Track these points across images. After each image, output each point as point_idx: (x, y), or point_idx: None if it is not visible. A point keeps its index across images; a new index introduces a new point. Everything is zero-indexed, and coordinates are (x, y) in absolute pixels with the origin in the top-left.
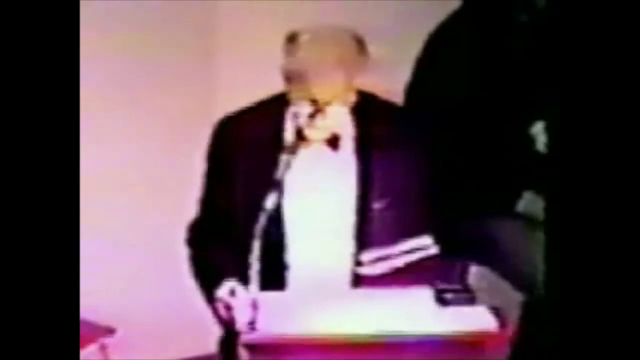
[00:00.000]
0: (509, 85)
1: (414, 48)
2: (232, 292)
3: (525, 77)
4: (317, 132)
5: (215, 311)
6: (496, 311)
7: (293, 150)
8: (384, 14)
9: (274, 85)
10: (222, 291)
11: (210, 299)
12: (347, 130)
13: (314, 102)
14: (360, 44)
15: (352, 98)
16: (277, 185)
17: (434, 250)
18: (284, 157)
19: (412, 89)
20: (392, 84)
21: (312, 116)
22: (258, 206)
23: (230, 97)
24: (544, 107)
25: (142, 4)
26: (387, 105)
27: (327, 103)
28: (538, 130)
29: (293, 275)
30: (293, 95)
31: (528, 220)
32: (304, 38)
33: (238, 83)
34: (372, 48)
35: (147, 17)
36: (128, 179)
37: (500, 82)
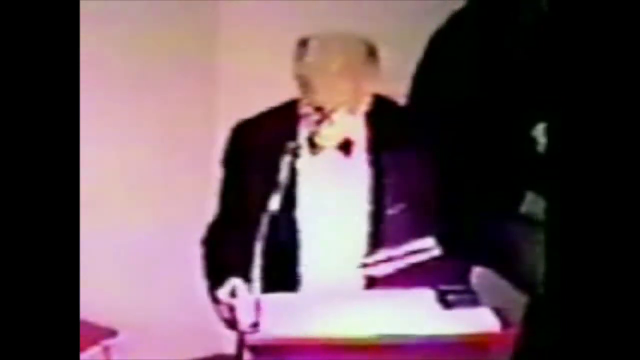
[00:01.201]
0: (511, 86)
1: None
2: (234, 293)
3: (527, 79)
4: (326, 139)
5: (218, 311)
6: (499, 312)
7: (295, 152)
8: (390, 16)
9: (276, 90)
10: (224, 290)
11: (215, 297)
12: (359, 135)
13: (319, 109)
14: (370, 49)
15: (364, 103)
16: (280, 188)
17: (437, 251)
18: (286, 160)
19: (414, 90)
20: (399, 87)
21: (318, 123)
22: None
23: (232, 99)
24: (546, 109)
25: (143, 7)
26: (401, 110)
27: (334, 110)
28: (540, 131)
29: (305, 279)
30: (302, 102)
31: (530, 221)
32: (312, 44)
33: (240, 87)
34: (382, 52)
35: (148, 20)
36: (132, 181)
37: (502, 83)
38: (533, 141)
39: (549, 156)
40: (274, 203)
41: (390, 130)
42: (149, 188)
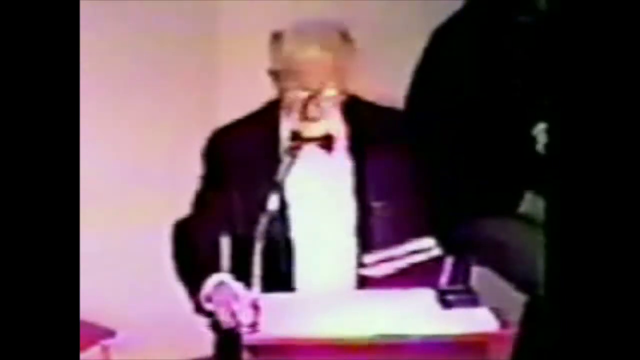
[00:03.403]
0: (511, 86)
1: (401, 48)
2: (235, 295)
3: (526, 78)
4: (312, 128)
5: (198, 309)
6: (498, 312)
7: (294, 152)
8: (382, 14)
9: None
10: (209, 286)
11: (196, 294)
12: (339, 130)
13: (305, 89)
14: (343, 33)
15: (343, 92)
16: (278, 187)
17: (436, 251)
18: (285, 159)
19: (414, 90)
20: (384, 87)
21: (305, 105)
22: (257, 211)
23: (232, 99)
24: (546, 108)
25: (143, 7)
26: (375, 107)
27: (319, 90)
28: (539, 131)
29: (297, 278)
30: (285, 87)
31: (529, 221)
32: (287, 35)
33: (240, 87)
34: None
35: (147, 20)
36: (129, 182)
37: (502, 83)
38: (533, 141)
39: (549, 156)
40: (272, 203)
41: (366, 126)
42: (149, 188)
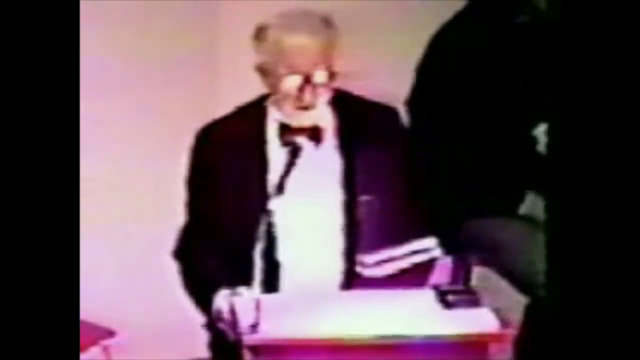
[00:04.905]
0: (512, 86)
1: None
2: (235, 295)
3: (526, 78)
4: (302, 118)
5: (210, 319)
6: (499, 313)
7: (295, 152)
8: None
9: None
10: (220, 299)
11: (206, 308)
12: (327, 123)
13: (296, 73)
14: (326, 19)
15: (332, 76)
16: (281, 189)
17: (438, 252)
18: (287, 160)
19: (415, 91)
20: (384, 85)
21: (301, 90)
22: (246, 209)
23: (232, 99)
24: (546, 109)
25: (143, 7)
26: (364, 101)
27: (310, 74)
28: (540, 131)
29: (287, 277)
30: (275, 76)
31: (531, 221)
32: (272, 23)
33: (240, 87)
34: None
35: (148, 20)
36: (128, 182)
37: (502, 83)
38: (533, 141)
39: (550, 156)
40: (275, 205)
41: (354, 120)
42: (150, 188)
